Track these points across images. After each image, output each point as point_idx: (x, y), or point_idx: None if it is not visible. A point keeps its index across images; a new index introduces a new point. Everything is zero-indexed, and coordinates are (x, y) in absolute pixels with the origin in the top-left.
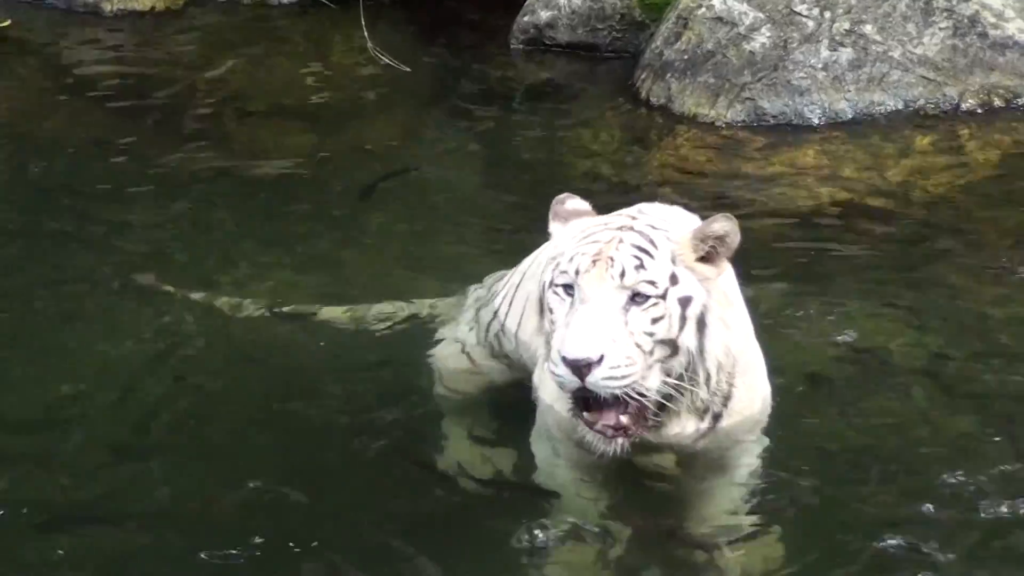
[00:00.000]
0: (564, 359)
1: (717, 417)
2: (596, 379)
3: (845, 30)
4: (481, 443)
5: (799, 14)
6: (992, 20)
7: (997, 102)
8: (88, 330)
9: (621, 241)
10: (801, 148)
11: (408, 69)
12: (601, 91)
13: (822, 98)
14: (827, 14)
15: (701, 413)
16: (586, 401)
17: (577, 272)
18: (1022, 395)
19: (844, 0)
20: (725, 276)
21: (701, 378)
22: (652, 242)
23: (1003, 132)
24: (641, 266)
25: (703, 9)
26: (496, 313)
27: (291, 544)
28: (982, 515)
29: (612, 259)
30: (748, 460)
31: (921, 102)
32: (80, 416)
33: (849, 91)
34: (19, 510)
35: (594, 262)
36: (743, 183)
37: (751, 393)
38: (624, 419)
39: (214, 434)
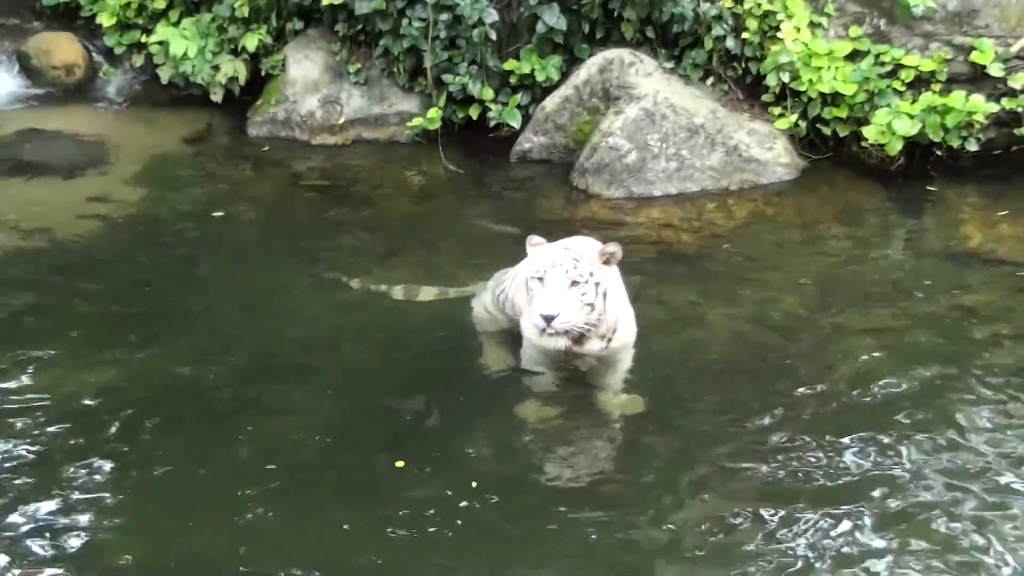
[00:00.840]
0: (540, 314)
1: (610, 340)
2: (555, 325)
3: (672, 153)
4: (499, 353)
5: (650, 145)
6: (744, 147)
7: (745, 186)
8: (297, 304)
9: (564, 254)
10: (650, 209)
11: (462, 171)
12: (555, 182)
13: (661, 186)
14: (663, 145)
15: (603, 338)
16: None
17: (544, 270)
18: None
19: (673, 138)
20: (614, 272)
21: (604, 321)
22: (579, 255)
23: (748, 201)
24: (576, 267)
25: (604, 143)
26: (504, 290)
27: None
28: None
29: (562, 263)
30: (626, 361)
31: (709, 187)
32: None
33: (674, 182)
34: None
35: (552, 264)
36: (623, 226)
37: (627, 330)
38: (565, 338)
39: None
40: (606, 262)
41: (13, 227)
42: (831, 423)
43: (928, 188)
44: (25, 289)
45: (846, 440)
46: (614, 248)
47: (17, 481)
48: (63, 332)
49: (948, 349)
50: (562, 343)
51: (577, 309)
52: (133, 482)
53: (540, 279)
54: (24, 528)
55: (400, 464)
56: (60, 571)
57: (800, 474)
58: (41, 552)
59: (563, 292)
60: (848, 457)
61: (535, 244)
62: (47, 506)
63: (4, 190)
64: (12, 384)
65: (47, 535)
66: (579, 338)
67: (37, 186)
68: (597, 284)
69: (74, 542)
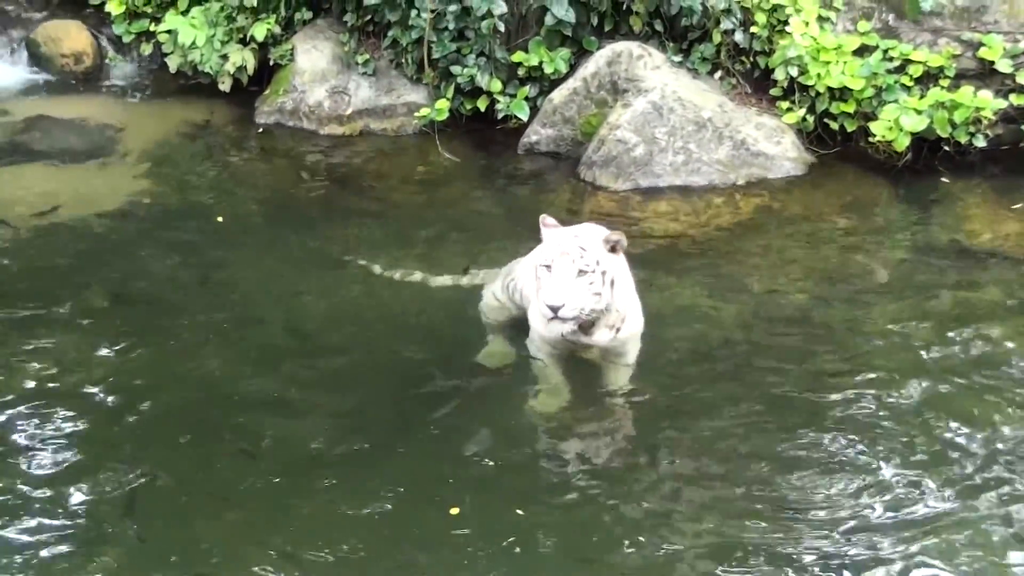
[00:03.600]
0: (546, 304)
1: (618, 330)
2: (561, 314)
3: (680, 146)
4: (504, 343)
5: (658, 138)
6: (751, 141)
7: (752, 180)
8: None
9: (573, 242)
10: (657, 202)
11: (461, 160)
12: (562, 175)
13: (669, 179)
14: (671, 138)
15: (612, 328)
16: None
17: (552, 258)
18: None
19: (680, 131)
20: (621, 261)
21: (612, 309)
22: (587, 244)
23: (755, 196)
24: (583, 256)
25: (611, 135)
26: (513, 278)
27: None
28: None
29: (569, 252)
30: (633, 353)
31: (716, 181)
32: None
33: (681, 176)
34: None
35: (560, 253)
36: (629, 220)
37: (634, 320)
38: (570, 325)
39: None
40: (612, 250)
41: (20, 214)
42: (838, 417)
43: (942, 180)
44: (32, 277)
45: (853, 434)
46: (619, 236)
47: (25, 468)
48: (69, 320)
49: (956, 344)
50: (568, 328)
51: (584, 298)
52: (141, 475)
53: (548, 267)
54: (31, 515)
55: (455, 511)
56: (67, 549)
57: (809, 468)
58: (46, 539)
59: (570, 281)
60: (855, 451)
61: (548, 225)
62: (55, 491)
63: (12, 177)
64: (18, 371)
65: (55, 520)
66: (588, 327)
67: (45, 173)
68: (604, 272)
69: (81, 522)
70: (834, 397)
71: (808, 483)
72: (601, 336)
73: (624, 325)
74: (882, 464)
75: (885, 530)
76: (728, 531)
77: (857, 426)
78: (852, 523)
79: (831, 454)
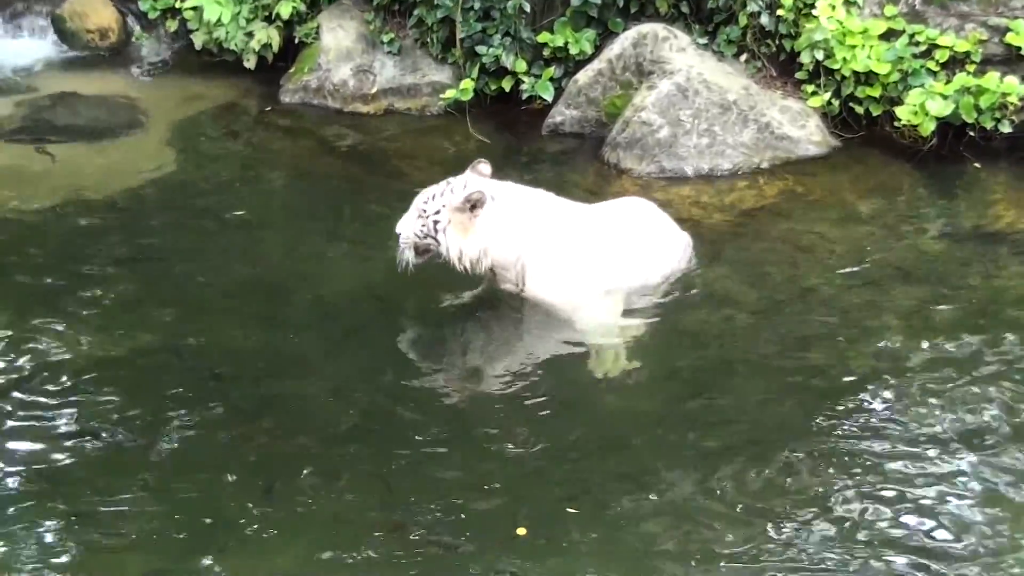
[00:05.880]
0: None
1: (521, 289)
2: (400, 242)
3: (704, 129)
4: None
5: (683, 121)
6: (776, 125)
7: (777, 164)
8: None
9: (437, 187)
10: (682, 187)
11: (489, 141)
12: (586, 157)
13: (693, 162)
14: (696, 121)
15: (515, 285)
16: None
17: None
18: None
19: (705, 114)
20: (502, 219)
21: (453, 258)
22: (444, 193)
23: (779, 180)
24: (427, 201)
25: (636, 117)
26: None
27: None
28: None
29: (427, 193)
30: (578, 322)
31: (741, 164)
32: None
33: (706, 159)
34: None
35: (424, 191)
36: (653, 200)
37: (539, 284)
38: (409, 252)
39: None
40: (472, 208)
41: (45, 190)
42: (861, 404)
43: (967, 166)
44: (55, 252)
45: (875, 421)
46: (476, 196)
47: (36, 446)
48: (92, 295)
49: (980, 329)
50: (409, 256)
51: (412, 235)
52: (158, 453)
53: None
54: (38, 498)
55: (522, 531)
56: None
57: (831, 455)
58: (55, 524)
59: (411, 217)
60: (877, 439)
61: (475, 169)
62: (67, 471)
63: (38, 153)
64: (37, 347)
65: (64, 504)
66: (492, 275)
67: (70, 149)
68: (436, 223)
69: (89, 510)
70: (856, 383)
71: (827, 472)
72: (508, 288)
73: (527, 286)
74: (902, 457)
75: (914, 529)
76: (754, 521)
77: (877, 414)
78: (877, 511)
79: (854, 442)
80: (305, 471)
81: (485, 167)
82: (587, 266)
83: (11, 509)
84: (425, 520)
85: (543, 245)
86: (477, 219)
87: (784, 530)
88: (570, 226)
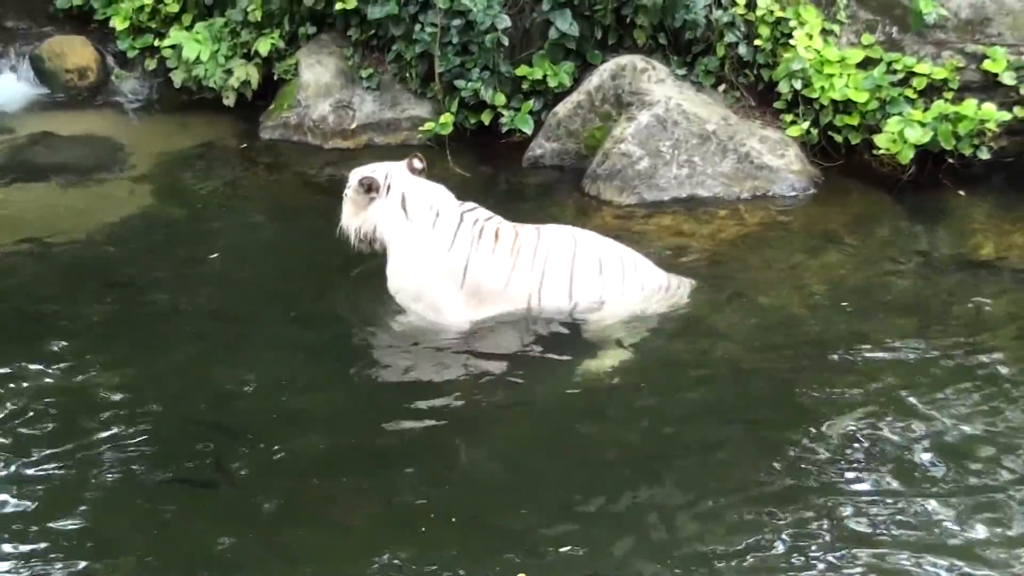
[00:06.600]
0: None
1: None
2: None
3: (684, 160)
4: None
5: (662, 152)
6: (756, 154)
7: (757, 194)
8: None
9: (363, 170)
10: (661, 216)
11: (469, 174)
12: (566, 189)
13: (673, 193)
14: (675, 151)
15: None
16: None
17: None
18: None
19: (684, 144)
20: (387, 206)
21: (372, 236)
22: (353, 180)
23: (759, 209)
24: (347, 186)
25: (616, 149)
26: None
27: None
28: None
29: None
30: (405, 306)
31: (721, 194)
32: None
33: (686, 189)
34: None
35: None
36: (634, 233)
37: (393, 271)
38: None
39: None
40: (367, 191)
41: (25, 229)
42: (844, 432)
43: (947, 193)
44: (36, 292)
45: (858, 452)
46: (369, 180)
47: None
48: (72, 334)
49: (961, 357)
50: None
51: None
52: (147, 490)
53: None
54: (31, 527)
55: None
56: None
57: (815, 482)
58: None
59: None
60: (860, 469)
61: (410, 165)
62: (59, 493)
63: (17, 192)
64: (17, 384)
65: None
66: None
67: (49, 189)
68: (343, 204)
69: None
70: (838, 413)
71: (809, 500)
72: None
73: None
74: (887, 482)
75: (886, 546)
76: (714, 546)
77: (861, 444)
78: (855, 547)
79: (837, 471)
80: (275, 502)
81: (418, 163)
82: (429, 261)
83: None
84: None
85: (401, 234)
86: (372, 203)
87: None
88: (434, 223)
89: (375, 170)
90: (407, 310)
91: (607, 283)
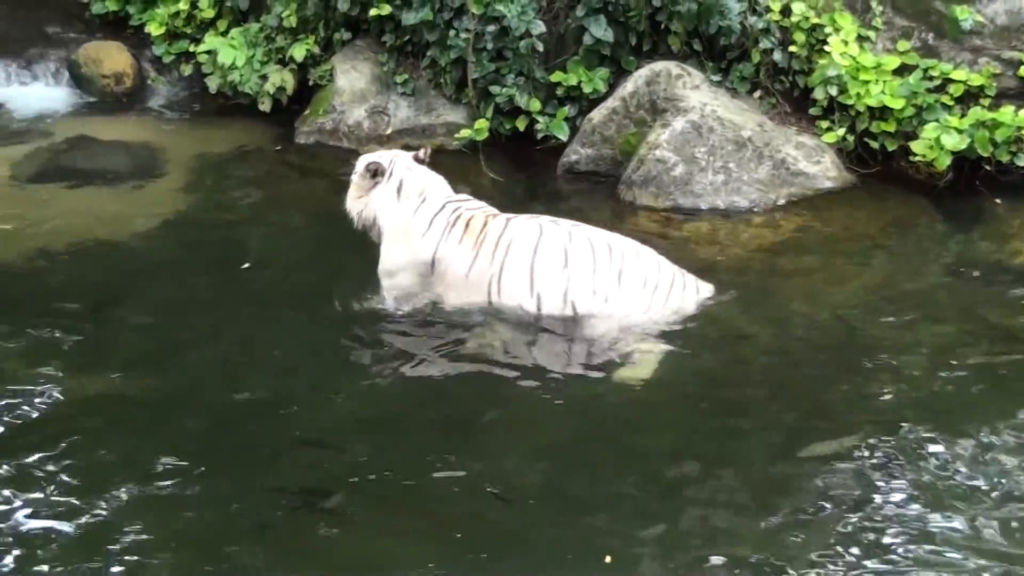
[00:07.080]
0: None
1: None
2: None
3: (720, 166)
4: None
5: (698, 158)
6: (792, 161)
7: (793, 200)
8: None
9: (369, 156)
10: (699, 223)
11: (504, 180)
12: (602, 195)
13: (709, 199)
14: (711, 158)
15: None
16: None
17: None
18: None
19: (720, 151)
20: (383, 191)
21: (373, 221)
22: (359, 166)
23: (796, 216)
24: (353, 170)
25: (651, 155)
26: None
27: None
28: None
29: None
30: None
31: (757, 200)
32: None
33: (722, 196)
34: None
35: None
36: (669, 239)
37: (384, 253)
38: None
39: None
40: (372, 175)
41: (64, 233)
42: (881, 439)
43: (984, 200)
44: (72, 296)
45: (898, 458)
46: (375, 166)
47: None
48: (110, 339)
49: (999, 366)
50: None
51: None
52: (167, 497)
53: None
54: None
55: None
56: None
57: (850, 494)
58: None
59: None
60: (898, 472)
61: (415, 156)
62: (66, 500)
63: (53, 197)
64: (55, 385)
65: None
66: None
67: (86, 194)
68: (349, 187)
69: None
70: (876, 420)
71: (846, 512)
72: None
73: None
74: (922, 494)
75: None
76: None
77: (901, 452)
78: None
79: (874, 480)
80: (281, 511)
81: (422, 153)
82: (405, 244)
83: None
84: None
85: (389, 216)
86: (375, 187)
87: None
88: (416, 209)
89: (381, 156)
90: (381, 290)
91: (575, 276)
